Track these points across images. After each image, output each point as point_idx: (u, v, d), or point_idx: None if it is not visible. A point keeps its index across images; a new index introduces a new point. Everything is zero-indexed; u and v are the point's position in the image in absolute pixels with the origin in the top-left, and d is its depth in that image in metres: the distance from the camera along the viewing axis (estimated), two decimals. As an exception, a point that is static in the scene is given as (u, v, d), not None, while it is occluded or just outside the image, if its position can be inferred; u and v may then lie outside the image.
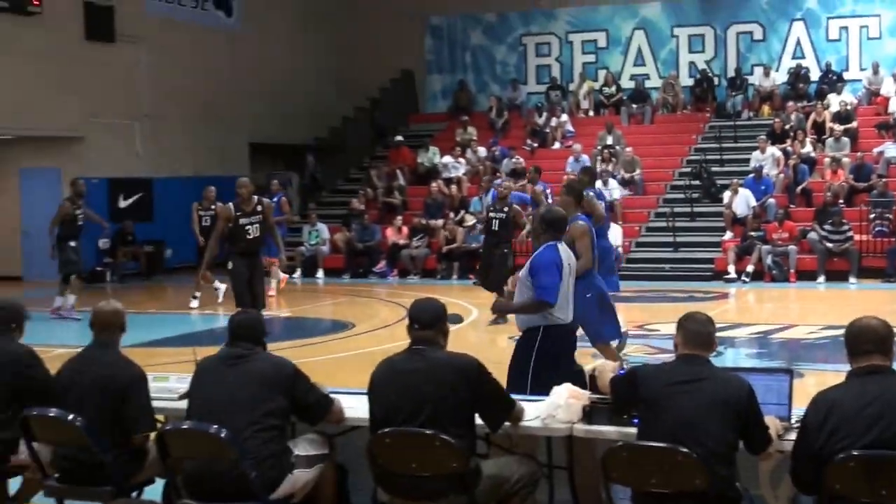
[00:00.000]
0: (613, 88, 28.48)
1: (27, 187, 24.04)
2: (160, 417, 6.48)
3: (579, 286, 8.74)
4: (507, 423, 5.79)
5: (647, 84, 28.57)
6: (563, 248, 8.09)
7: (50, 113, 23.01)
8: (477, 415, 5.67)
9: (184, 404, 6.22)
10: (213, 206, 18.62)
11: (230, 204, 13.12)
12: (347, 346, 14.71)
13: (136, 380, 6.14)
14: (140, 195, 25.05)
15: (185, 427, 5.76)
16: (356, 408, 5.99)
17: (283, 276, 19.48)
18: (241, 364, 5.86)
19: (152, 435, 6.08)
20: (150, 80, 25.15)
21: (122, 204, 24.45)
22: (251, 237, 12.92)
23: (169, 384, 6.78)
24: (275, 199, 19.44)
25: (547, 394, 6.00)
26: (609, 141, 25.79)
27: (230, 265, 13.12)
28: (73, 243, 17.29)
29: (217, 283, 18.03)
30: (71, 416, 5.92)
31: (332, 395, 6.07)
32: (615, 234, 22.34)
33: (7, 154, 24.35)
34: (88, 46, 23.78)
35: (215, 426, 5.52)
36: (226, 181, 25.97)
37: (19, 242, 24.12)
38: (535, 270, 7.83)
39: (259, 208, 12.97)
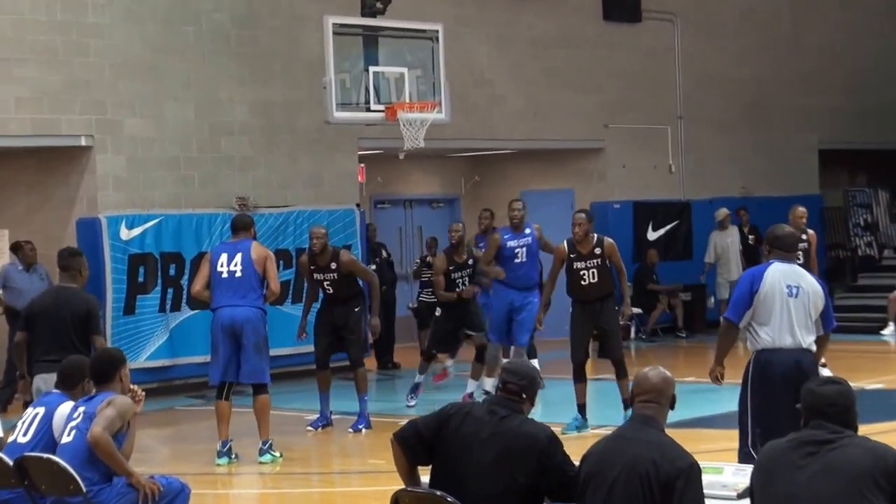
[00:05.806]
0: None
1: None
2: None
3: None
4: None
5: None
6: None
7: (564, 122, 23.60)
8: None
9: (746, 504, 6.14)
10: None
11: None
12: None
13: (688, 472, 6.10)
14: (675, 223, 24.69)
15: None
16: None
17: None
18: (825, 452, 5.72)
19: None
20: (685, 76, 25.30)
21: (652, 235, 24.37)
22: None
23: (723, 477, 6.84)
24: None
25: None
26: None
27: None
28: None
29: None
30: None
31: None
32: None
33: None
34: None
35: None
36: (779, 203, 25.20)
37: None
38: None
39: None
